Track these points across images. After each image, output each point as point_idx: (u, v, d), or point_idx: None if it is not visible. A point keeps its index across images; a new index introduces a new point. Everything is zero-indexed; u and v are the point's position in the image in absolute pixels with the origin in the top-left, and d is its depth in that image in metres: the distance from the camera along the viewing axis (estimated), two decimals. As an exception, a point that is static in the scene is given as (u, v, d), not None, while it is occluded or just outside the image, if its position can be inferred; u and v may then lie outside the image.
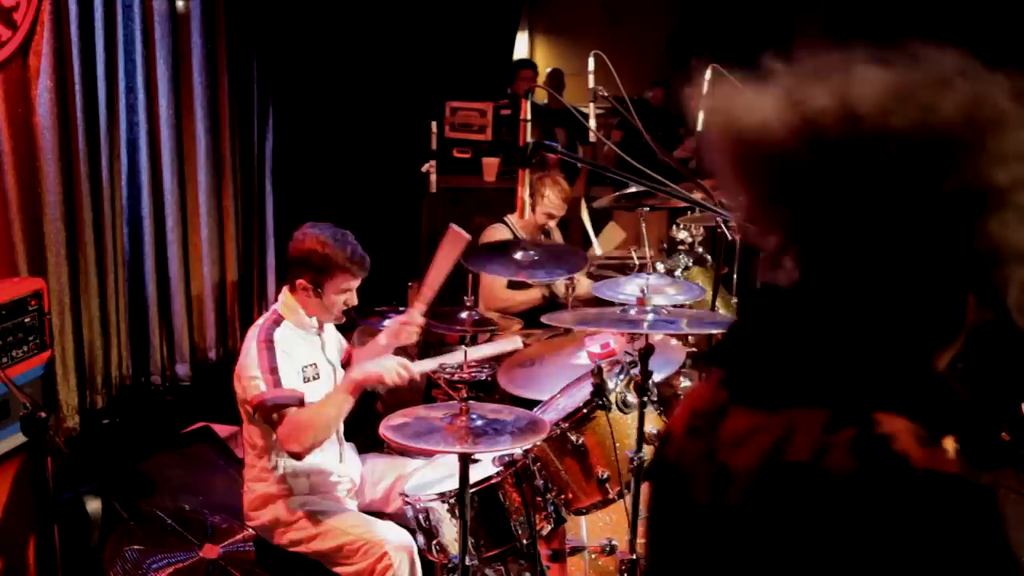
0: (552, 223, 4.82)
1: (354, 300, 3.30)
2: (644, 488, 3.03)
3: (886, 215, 1.04)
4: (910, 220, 1.04)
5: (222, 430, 4.60)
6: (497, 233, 4.79)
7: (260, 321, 3.28)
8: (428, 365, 3.21)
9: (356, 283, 3.27)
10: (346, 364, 3.55)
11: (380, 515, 3.45)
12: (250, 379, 3.11)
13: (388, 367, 3.07)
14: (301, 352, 3.22)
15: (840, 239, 1.09)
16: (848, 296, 1.11)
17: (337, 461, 3.35)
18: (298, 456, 3.08)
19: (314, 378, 3.22)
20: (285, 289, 3.32)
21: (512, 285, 4.76)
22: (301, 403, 3.08)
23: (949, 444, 1.07)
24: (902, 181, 1.03)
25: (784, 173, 1.10)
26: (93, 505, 3.82)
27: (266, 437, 3.21)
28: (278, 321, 3.24)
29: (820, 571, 1.06)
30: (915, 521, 1.01)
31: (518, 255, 3.90)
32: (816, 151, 1.07)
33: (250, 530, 3.51)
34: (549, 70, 8.89)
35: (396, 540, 3.08)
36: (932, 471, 1.03)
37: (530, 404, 3.51)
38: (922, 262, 1.06)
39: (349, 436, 3.48)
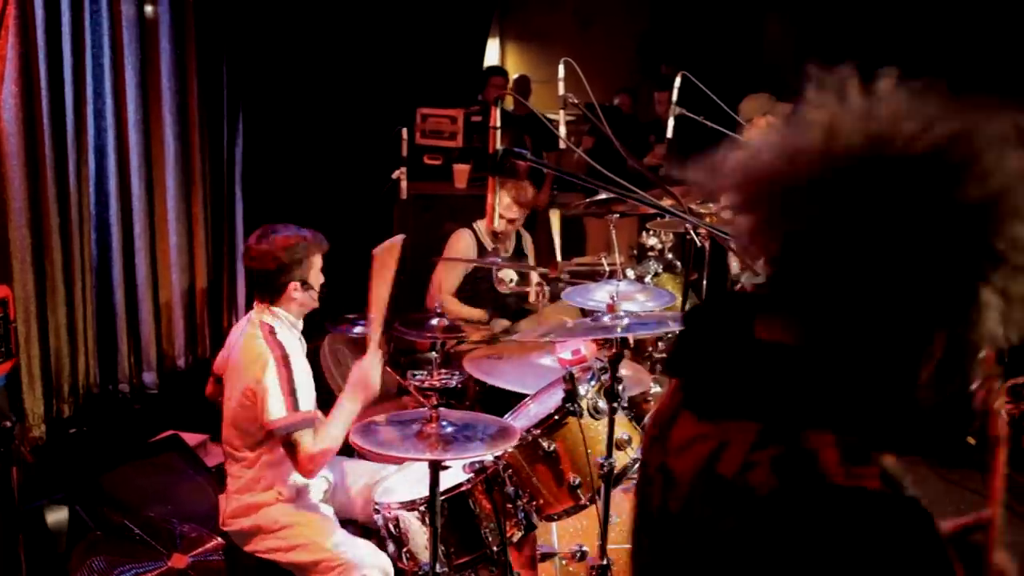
0: (511, 227, 4.80)
1: (322, 277, 3.38)
2: (615, 493, 3.04)
3: (877, 233, 1.04)
4: (899, 240, 1.03)
5: (191, 439, 4.55)
6: (462, 239, 4.79)
7: (257, 332, 3.23)
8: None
9: (321, 261, 3.37)
10: None
11: (352, 521, 3.45)
12: (267, 398, 3.08)
13: (373, 377, 3.19)
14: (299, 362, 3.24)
15: (826, 257, 1.08)
16: (810, 316, 1.11)
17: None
18: (312, 475, 3.13)
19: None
20: (263, 305, 3.30)
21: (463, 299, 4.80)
22: (312, 423, 3.11)
23: (887, 461, 1.07)
24: (904, 195, 1.03)
25: (792, 195, 1.10)
26: (57, 516, 3.78)
27: (260, 451, 3.20)
28: (273, 332, 3.23)
29: None
30: (834, 538, 1.01)
31: (490, 257, 3.93)
32: (835, 172, 1.07)
33: (219, 539, 3.49)
34: (515, 77, 8.91)
35: (371, 563, 3.07)
36: (851, 488, 1.04)
37: (498, 397, 3.53)
38: (900, 284, 1.05)
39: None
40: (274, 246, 3.22)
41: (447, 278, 4.72)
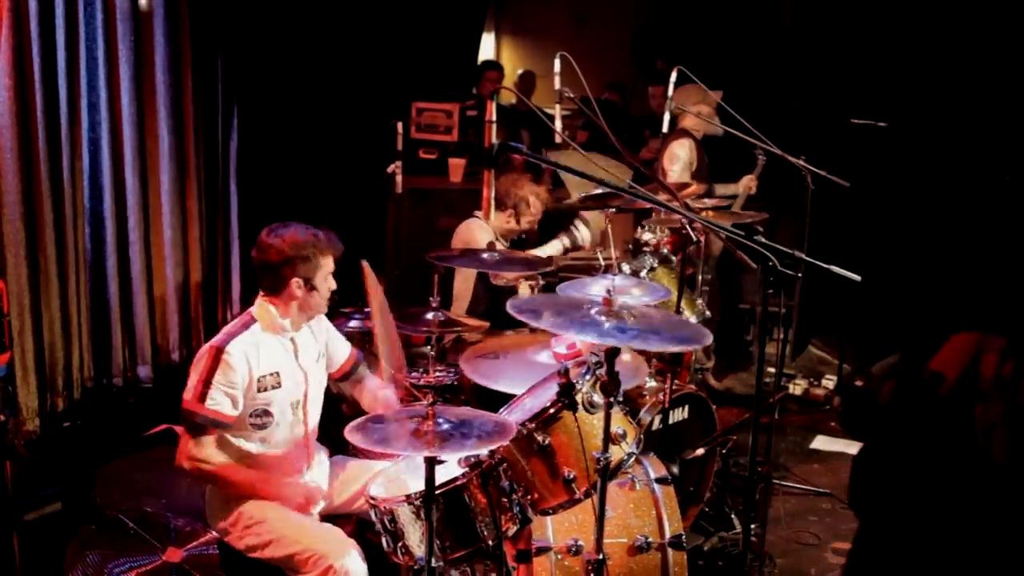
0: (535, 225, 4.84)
1: (334, 283, 3.33)
2: (611, 487, 3.04)
3: None
4: None
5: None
6: (479, 226, 4.73)
7: (232, 322, 3.28)
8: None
9: (333, 265, 3.31)
10: (350, 371, 3.61)
11: (345, 515, 3.45)
12: (189, 377, 3.16)
13: (294, 495, 3.22)
14: (265, 360, 3.21)
15: None
16: None
17: (304, 469, 3.34)
18: (179, 470, 3.14)
19: (273, 387, 3.23)
20: (260, 295, 3.30)
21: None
22: (217, 425, 3.13)
23: None
24: None
25: None
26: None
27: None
28: (248, 324, 3.24)
29: None
30: None
31: (484, 255, 3.91)
32: None
33: (213, 533, 3.49)
34: (521, 72, 8.90)
35: (342, 550, 3.09)
36: None
37: (494, 391, 3.52)
38: None
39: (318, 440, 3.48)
40: (283, 240, 3.21)
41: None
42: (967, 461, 1.44)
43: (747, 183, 5.95)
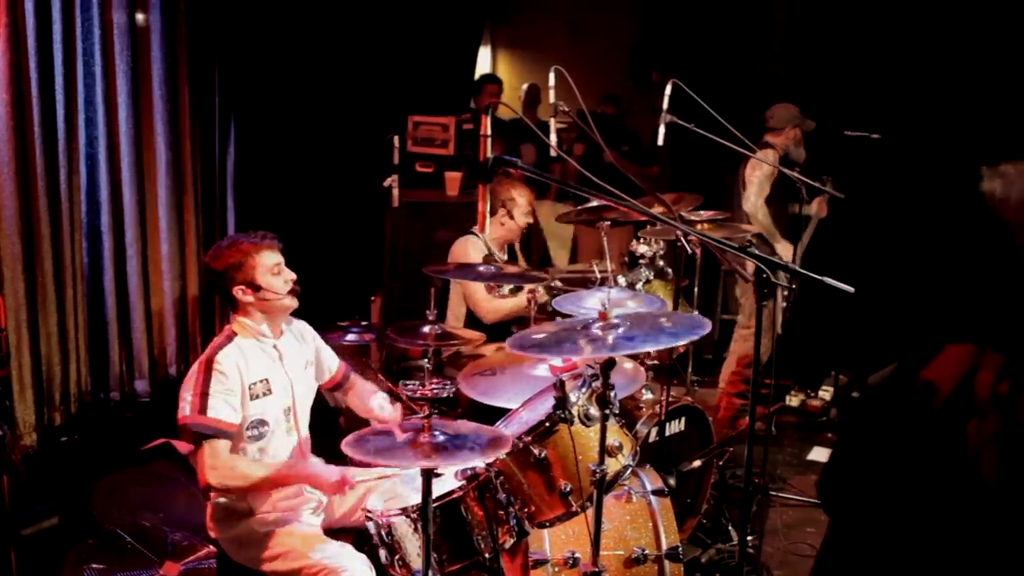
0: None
1: (291, 274, 3.35)
2: (607, 500, 3.05)
3: None
4: None
5: (183, 446, 4.55)
6: (473, 244, 4.75)
7: (215, 339, 3.31)
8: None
9: (278, 257, 3.32)
10: (340, 381, 3.66)
11: (344, 529, 3.45)
12: (182, 397, 3.17)
13: (329, 481, 3.18)
14: (253, 368, 3.23)
15: None
16: None
17: (300, 479, 3.35)
18: (207, 489, 3.13)
19: (264, 394, 3.26)
20: (231, 313, 3.36)
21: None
22: (223, 435, 3.12)
23: None
24: None
25: None
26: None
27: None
28: (231, 337, 3.28)
29: None
30: None
31: (481, 268, 3.93)
32: None
33: (211, 547, 3.49)
34: (527, 85, 8.89)
35: (355, 568, 3.07)
36: None
37: (491, 411, 3.53)
38: None
39: (314, 452, 3.48)
40: (212, 258, 3.30)
41: (473, 287, 4.66)
42: (954, 474, 1.43)
43: (818, 204, 5.90)
